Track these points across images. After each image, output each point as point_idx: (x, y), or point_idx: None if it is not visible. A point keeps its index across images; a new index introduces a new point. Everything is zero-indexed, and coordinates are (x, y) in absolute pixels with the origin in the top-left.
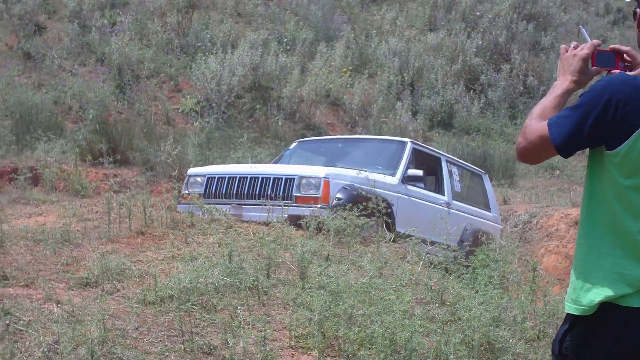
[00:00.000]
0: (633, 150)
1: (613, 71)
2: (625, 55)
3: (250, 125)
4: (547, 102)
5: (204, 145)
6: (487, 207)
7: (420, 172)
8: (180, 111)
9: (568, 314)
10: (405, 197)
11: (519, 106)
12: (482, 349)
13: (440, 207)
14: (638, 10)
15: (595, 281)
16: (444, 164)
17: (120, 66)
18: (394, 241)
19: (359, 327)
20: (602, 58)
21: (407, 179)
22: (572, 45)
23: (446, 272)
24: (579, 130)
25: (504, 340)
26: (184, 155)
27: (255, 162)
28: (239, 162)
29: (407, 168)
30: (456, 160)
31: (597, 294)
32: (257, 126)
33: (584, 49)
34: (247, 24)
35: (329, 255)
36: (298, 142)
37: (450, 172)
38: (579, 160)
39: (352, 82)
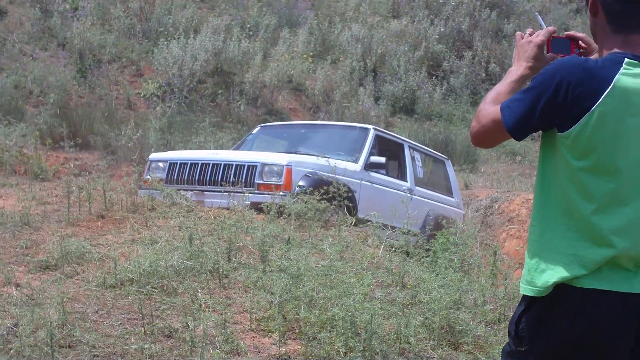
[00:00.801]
0: (584, 132)
1: (584, 56)
2: (580, 42)
3: (212, 110)
4: (501, 87)
5: (166, 129)
6: (449, 193)
7: (382, 160)
8: (141, 96)
9: (524, 295)
10: (368, 183)
11: (481, 92)
12: (442, 331)
13: (403, 193)
14: None
15: (549, 263)
16: (406, 150)
17: (81, 51)
18: (355, 225)
19: (319, 309)
20: (558, 44)
21: (369, 166)
22: (527, 32)
23: (407, 256)
24: (531, 113)
25: (464, 323)
26: (145, 139)
27: (217, 147)
28: (201, 147)
29: (370, 155)
30: (418, 146)
31: (552, 275)
32: (219, 111)
33: (539, 36)
34: (209, 10)
35: (289, 238)
36: (261, 127)
37: (412, 158)
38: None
39: (314, 67)
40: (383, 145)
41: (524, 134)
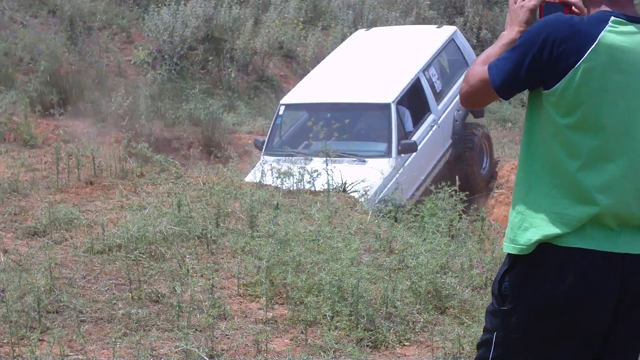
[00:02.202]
0: (569, 88)
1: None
2: (573, 7)
3: (203, 77)
4: (492, 50)
5: (156, 96)
6: (465, 65)
7: (412, 142)
8: (132, 63)
9: (508, 255)
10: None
11: None
12: (428, 295)
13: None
14: None
15: (533, 221)
16: (423, 82)
17: (72, 18)
18: (344, 191)
19: (306, 274)
20: (551, 9)
21: (400, 152)
22: None
23: (395, 221)
24: (517, 71)
25: (450, 287)
26: (135, 106)
27: (208, 114)
28: (191, 113)
29: (398, 139)
30: (429, 59)
31: (535, 233)
32: (209, 78)
33: (532, 1)
34: None
35: (278, 204)
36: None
37: (429, 82)
38: None
39: (305, 34)
40: (403, 100)
41: (510, 92)
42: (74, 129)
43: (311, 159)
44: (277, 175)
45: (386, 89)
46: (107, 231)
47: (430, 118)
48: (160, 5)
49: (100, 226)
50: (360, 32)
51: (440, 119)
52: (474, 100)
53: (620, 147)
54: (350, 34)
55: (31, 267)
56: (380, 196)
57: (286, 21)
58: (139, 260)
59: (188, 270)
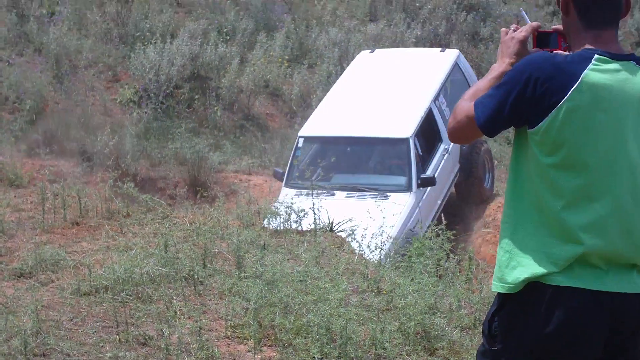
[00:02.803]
0: (552, 127)
1: (555, 52)
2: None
3: (189, 115)
4: (481, 84)
5: (142, 135)
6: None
7: (432, 175)
8: (118, 102)
9: (497, 294)
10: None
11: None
12: (417, 336)
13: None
14: None
15: (521, 259)
16: (435, 112)
17: (58, 56)
18: (330, 231)
19: (295, 316)
20: (544, 39)
21: (420, 185)
22: (512, 28)
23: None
24: (501, 109)
25: (439, 328)
26: (121, 145)
27: (194, 153)
28: (177, 152)
29: (418, 172)
30: (437, 87)
31: (523, 272)
32: (195, 116)
33: (522, 32)
34: (187, 14)
35: (265, 244)
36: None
37: (439, 110)
38: None
39: (291, 72)
40: (420, 132)
41: (495, 130)
42: (60, 168)
43: (333, 193)
44: (264, 216)
45: (403, 123)
46: (94, 273)
47: (441, 147)
48: (146, 43)
49: (87, 267)
50: (365, 54)
51: (450, 147)
52: (460, 136)
53: (604, 186)
54: (336, 72)
55: (17, 309)
56: (404, 231)
57: (272, 59)
58: (126, 302)
59: (175, 312)
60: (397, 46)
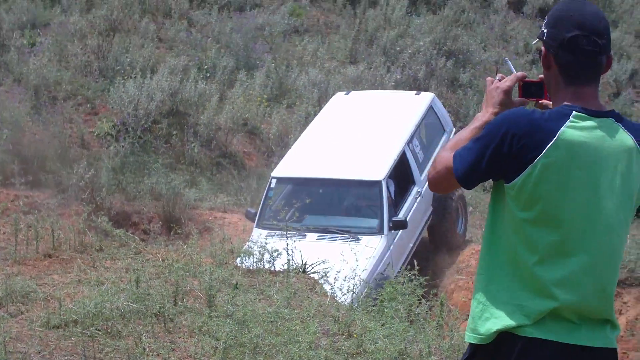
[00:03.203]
0: (527, 183)
1: (541, 101)
2: None
3: (166, 151)
4: (464, 134)
5: (118, 169)
6: (442, 130)
7: (403, 219)
8: (95, 135)
9: (469, 344)
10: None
11: None
12: None
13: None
14: (542, 48)
15: (493, 312)
16: (408, 155)
17: (37, 87)
18: (303, 272)
19: (264, 357)
20: (530, 89)
21: (392, 228)
22: (497, 78)
23: (355, 304)
24: (478, 163)
25: None
26: (97, 179)
27: (169, 189)
28: (152, 188)
29: (390, 215)
30: (411, 131)
31: (495, 324)
32: (172, 152)
33: (507, 82)
34: (168, 50)
35: (237, 283)
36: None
37: (413, 153)
38: None
39: (270, 111)
40: (393, 175)
41: (471, 183)
42: (34, 199)
43: (304, 235)
44: (237, 254)
45: (376, 165)
46: (64, 306)
47: (414, 190)
48: (126, 77)
49: (58, 300)
50: (340, 95)
51: (423, 190)
52: (439, 186)
53: (579, 242)
54: (315, 112)
55: None
56: (375, 274)
57: (251, 98)
58: (95, 336)
59: (144, 349)
60: (377, 89)
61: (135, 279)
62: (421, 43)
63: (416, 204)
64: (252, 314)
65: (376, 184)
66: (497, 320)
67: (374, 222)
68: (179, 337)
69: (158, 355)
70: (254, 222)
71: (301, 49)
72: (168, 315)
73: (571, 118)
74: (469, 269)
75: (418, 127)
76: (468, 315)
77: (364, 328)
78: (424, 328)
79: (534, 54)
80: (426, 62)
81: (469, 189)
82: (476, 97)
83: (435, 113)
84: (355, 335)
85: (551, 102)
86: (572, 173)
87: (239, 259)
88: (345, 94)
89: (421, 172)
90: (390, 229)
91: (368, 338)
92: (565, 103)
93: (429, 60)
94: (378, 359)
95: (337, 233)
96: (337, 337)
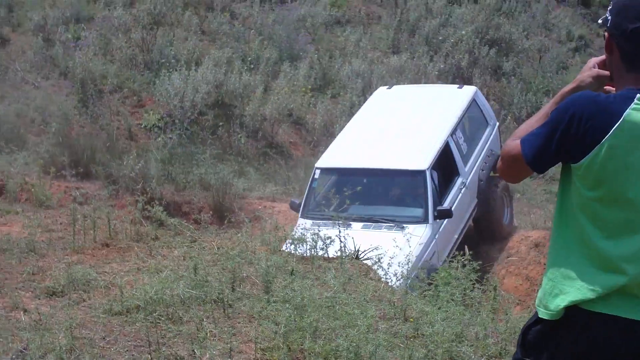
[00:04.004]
0: (594, 163)
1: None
2: None
3: (213, 142)
4: (534, 119)
5: (167, 161)
6: (484, 124)
7: (448, 208)
8: (142, 127)
9: (537, 316)
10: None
11: None
12: None
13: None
14: (606, 34)
15: (562, 287)
16: (452, 146)
17: (83, 80)
18: (357, 258)
19: (324, 340)
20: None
21: (437, 217)
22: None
23: (410, 290)
24: (548, 146)
25: (466, 356)
26: (146, 170)
27: (218, 180)
28: (201, 178)
29: (435, 204)
30: (454, 122)
31: (563, 300)
32: (219, 143)
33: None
34: (211, 42)
35: (293, 270)
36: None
37: (457, 144)
38: (539, 184)
39: (314, 101)
40: (437, 165)
41: (543, 167)
42: (85, 190)
43: (350, 224)
44: (289, 241)
45: (419, 155)
46: (125, 293)
47: (459, 181)
48: (171, 70)
49: (119, 288)
50: (383, 90)
51: (468, 181)
52: (510, 175)
53: None
54: (359, 102)
55: (52, 327)
56: (421, 263)
57: (295, 89)
58: (158, 322)
59: (206, 334)
60: (420, 79)
61: (193, 267)
62: (463, 32)
63: (461, 195)
64: (310, 299)
65: (420, 173)
66: (565, 297)
67: (418, 212)
68: (238, 323)
69: (220, 339)
70: (298, 212)
71: (343, 39)
72: (227, 301)
73: (635, 100)
74: (519, 255)
75: (461, 119)
76: (520, 300)
77: (420, 312)
78: (479, 312)
79: (577, 42)
80: (469, 51)
81: (540, 172)
82: (520, 85)
83: (478, 106)
84: (411, 320)
85: (614, 88)
86: (636, 154)
87: (284, 246)
88: (388, 88)
89: (465, 163)
90: (435, 218)
91: (425, 321)
92: (629, 87)
93: (472, 49)
94: (436, 341)
95: (382, 222)
96: (394, 321)
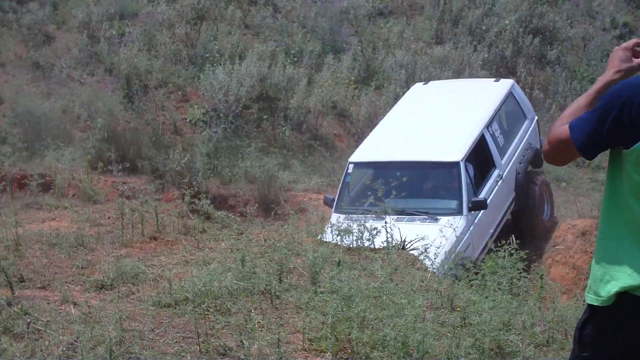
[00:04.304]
0: None
1: None
2: None
3: (258, 135)
4: (581, 100)
5: (212, 154)
6: (522, 117)
7: (483, 199)
8: (188, 121)
9: (588, 305)
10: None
11: None
12: (492, 353)
13: (498, 184)
14: None
15: (614, 274)
16: (487, 138)
17: (128, 76)
18: (403, 249)
19: (371, 330)
20: None
21: (471, 209)
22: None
23: (455, 279)
24: (599, 132)
25: (514, 345)
26: (192, 164)
27: (263, 173)
28: (247, 171)
29: (469, 196)
30: (491, 115)
31: (614, 285)
32: (264, 136)
33: (625, 43)
34: (254, 36)
35: (340, 261)
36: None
37: (493, 137)
38: (585, 173)
39: (358, 93)
40: (470, 157)
41: (594, 152)
42: (132, 185)
43: (383, 217)
44: (336, 232)
45: (454, 147)
46: (174, 285)
47: (495, 173)
48: (215, 64)
49: (167, 280)
50: (419, 86)
51: (505, 173)
52: (556, 158)
53: None
54: (403, 93)
55: (101, 319)
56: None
57: (339, 81)
58: (206, 314)
59: (254, 325)
60: (463, 69)
61: (240, 259)
62: (507, 21)
63: (497, 188)
64: (357, 289)
65: (454, 165)
66: (617, 282)
67: (453, 203)
68: (286, 313)
69: (268, 330)
70: (331, 207)
71: (387, 31)
72: (274, 292)
73: None
74: (566, 244)
75: (497, 112)
76: (567, 289)
77: (467, 301)
78: (526, 300)
79: (621, 29)
80: (513, 41)
81: (589, 159)
82: (564, 73)
83: (516, 99)
84: (458, 309)
85: None
86: None
87: (320, 235)
88: (424, 84)
89: (502, 156)
90: (469, 209)
91: (472, 311)
92: None
93: (516, 39)
94: (483, 330)
95: (416, 214)
96: (441, 310)
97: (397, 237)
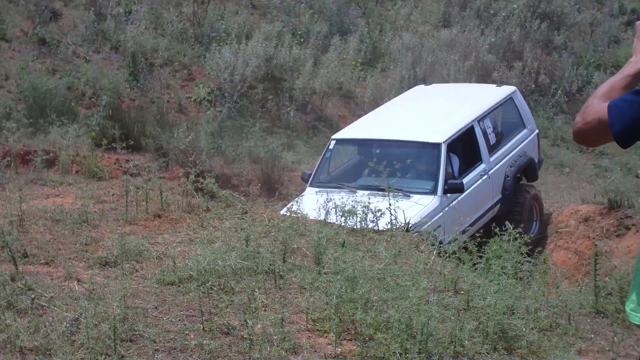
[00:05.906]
0: None
1: None
2: None
3: (262, 115)
4: (615, 80)
5: (216, 133)
6: (520, 126)
7: (460, 182)
8: (192, 100)
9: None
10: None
11: (530, 104)
12: (496, 336)
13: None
14: None
15: None
16: (476, 130)
17: (134, 54)
18: (407, 231)
19: (375, 311)
20: None
21: (447, 191)
22: None
23: (459, 262)
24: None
25: (517, 329)
26: (196, 143)
27: (267, 152)
28: (251, 151)
29: (446, 177)
30: (486, 110)
31: None
32: (269, 116)
33: None
34: (261, 16)
35: (344, 242)
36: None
37: (483, 132)
38: (589, 159)
39: (364, 75)
40: (455, 144)
41: (630, 141)
42: (136, 163)
43: (355, 192)
44: (340, 213)
45: (438, 130)
46: (178, 263)
47: (480, 167)
48: (221, 44)
49: (171, 258)
50: (420, 87)
51: (492, 171)
52: (588, 139)
53: None
54: (409, 76)
55: (105, 296)
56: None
57: (345, 62)
58: (210, 292)
59: (258, 304)
60: (470, 53)
61: (244, 238)
62: (515, 6)
63: (481, 181)
64: (361, 270)
65: (435, 146)
66: None
67: (429, 184)
68: (289, 293)
69: (271, 309)
70: (307, 183)
71: (394, 13)
72: (278, 272)
73: None
74: (568, 229)
75: (491, 110)
76: (570, 274)
77: (471, 284)
78: (530, 285)
79: (629, 16)
80: (520, 25)
81: (624, 147)
82: (571, 59)
83: (516, 106)
84: (462, 292)
85: None
86: None
87: (284, 209)
88: (426, 85)
89: (490, 153)
90: (445, 191)
91: (476, 294)
92: None
93: (523, 23)
94: (487, 314)
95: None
96: (445, 293)
97: (401, 219)
